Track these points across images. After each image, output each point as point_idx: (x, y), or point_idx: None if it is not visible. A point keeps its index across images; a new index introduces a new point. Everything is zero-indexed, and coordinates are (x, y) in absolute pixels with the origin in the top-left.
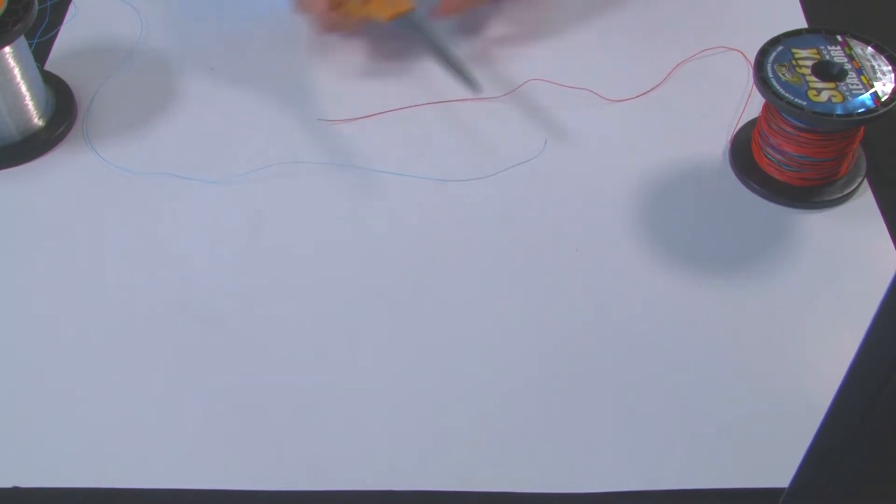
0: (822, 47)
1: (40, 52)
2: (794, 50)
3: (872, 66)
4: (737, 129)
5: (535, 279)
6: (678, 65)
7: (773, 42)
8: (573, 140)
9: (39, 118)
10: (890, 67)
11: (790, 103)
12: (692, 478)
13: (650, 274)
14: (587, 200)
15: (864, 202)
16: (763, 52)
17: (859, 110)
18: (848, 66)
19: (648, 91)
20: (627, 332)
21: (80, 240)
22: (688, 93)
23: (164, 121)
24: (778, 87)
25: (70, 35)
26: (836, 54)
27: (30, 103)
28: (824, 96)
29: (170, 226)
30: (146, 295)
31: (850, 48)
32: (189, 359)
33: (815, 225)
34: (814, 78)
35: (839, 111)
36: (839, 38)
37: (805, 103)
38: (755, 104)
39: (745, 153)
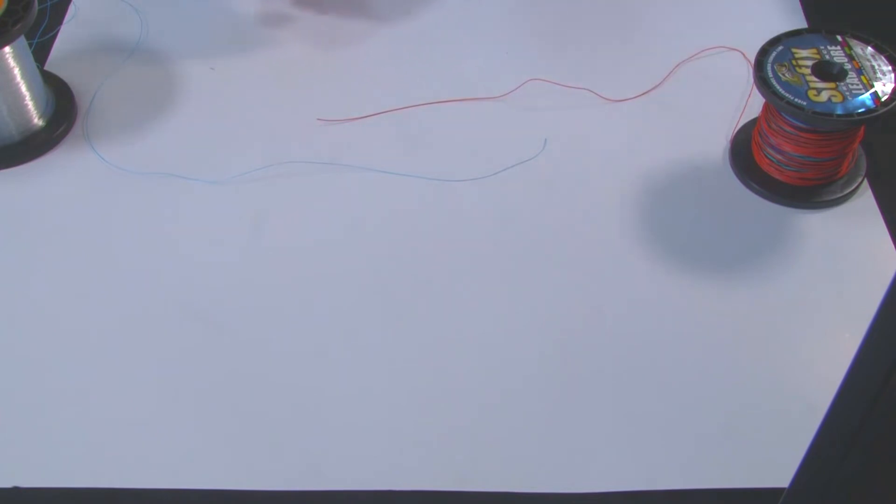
0: (822, 47)
1: (40, 52)
2: (794, 50)
3: (872, 66)
4: (737, 129)
5: (534, 279)
6: (678, 65)
7: (773, 42)
8: (573, 140)
9: (39, 118)
10: (890, 67)
11: (790, 103)
12: (692, 478)
13: (650, 274)
14: (587, 200)
15: (864, 202)
16: (763, 52)
17: (859, 110)
18: (848, 66)
19: (648, 91)
20: (627, 332)
21: (80, 240)
22: (688, 93)
23: (164, 121)
24: (778, 87)
25: (70, 35)
26: (836, 54)
27: (30, 103)
28: (824, 96)
29: (170, 226)
30: (146, 295)
31: (850, 48)
32: (189, 358)
33: (815, 225)
34: (814, 78)
35: (839, 111)
36: (839, 38)
37: (805, 103)
38: (755, 104)
39: (745, 153)
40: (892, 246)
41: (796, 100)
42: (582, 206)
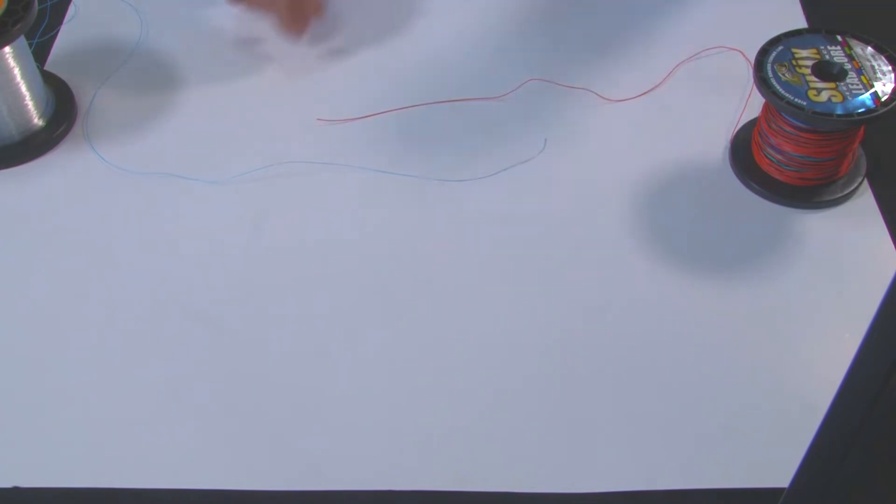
0: (822, 47)
1: (40, 52)
2: (794, 50)
3: (872, 66)
4: (737, 129)
5: (534, 279)
6: (678, 65)
7: (773, 42)
8: (573, 140)
9: (39, 118)
10: (890, 67)
11: (790, 103)
12: (692, 478)
13: (650, 274)
14: (587, 200)
15: (864, 202)
16: (763, 52)
17: (859, 110)
18: (848, 66)
19: (648, 91)
20: (627, 332)
21: (79, 240)
22: (688, 93)
23: (164, 121)
24: (778, 87)
25: (70, 35)
26: (836, 54)
27: (30, 103)
28: (824, 96)
29: (170, 226)
30: (146, 295)
31: (850, 48)
32: (188, 358)
33: (815, 225)
34: (814, 78)
35: (839, 111)
36: (839, 38)
37: (805, 103)
38: (755, 104)
39: (745, 153)
40: (892, 246)
41: (796, 100)
42: (582, 206)
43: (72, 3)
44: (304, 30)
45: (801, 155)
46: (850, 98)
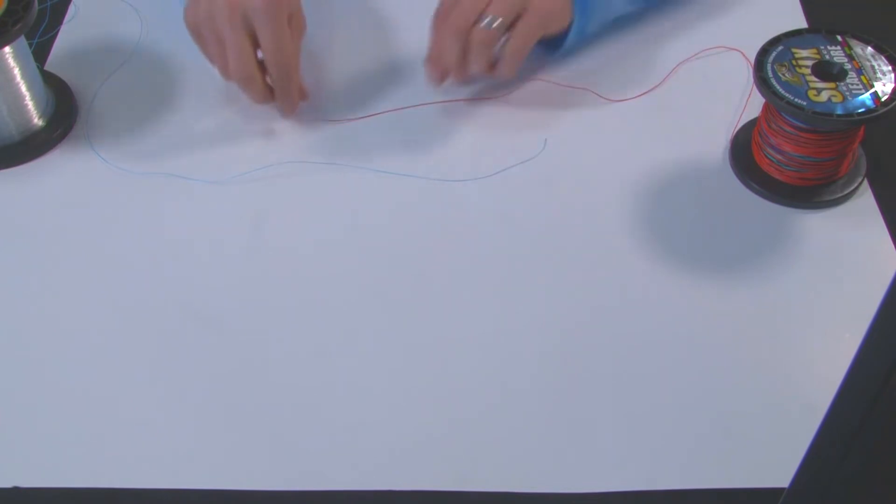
0: (822, 47)
1: (40, 52)
2: (794, 50)
3: (872, 66)
4: (737, 129)
5: (534, 279)
6: (678, 65)
7: (773, 42)
8: (573, 140)
9: (39, 118)
10: (890, 67)
11: (790, 103)
12: (692, 478)
13: (650, 274)
14: (587, 200)
15: (864, 202)
16: (763, 52)
17: (859, 110)
18: (848, 66)
19: (648, 91)
20: (627, 332)
21: (80, 240)
22: (688, 93)
23: (164, 121)
24: (778, 87)
25: (70, 35)
26: (836, 54)
27: (30, 103)
28: (824, 96)
29: (170, 226)
30: (146, 295)
31: (850, 48)
32: (189, 359)
33: (815, 225)
34: (814, 78)
35: (839, 111)
36: (839, 38)
37: (805, 103)
38: (755, 104)
39: (745, 153)
40: (892, 246)
41: (796, 100)
42: (582, 206)
43: (72, 3)
44: (292, 110)
45: (801, 155)
46: (850, 98)
